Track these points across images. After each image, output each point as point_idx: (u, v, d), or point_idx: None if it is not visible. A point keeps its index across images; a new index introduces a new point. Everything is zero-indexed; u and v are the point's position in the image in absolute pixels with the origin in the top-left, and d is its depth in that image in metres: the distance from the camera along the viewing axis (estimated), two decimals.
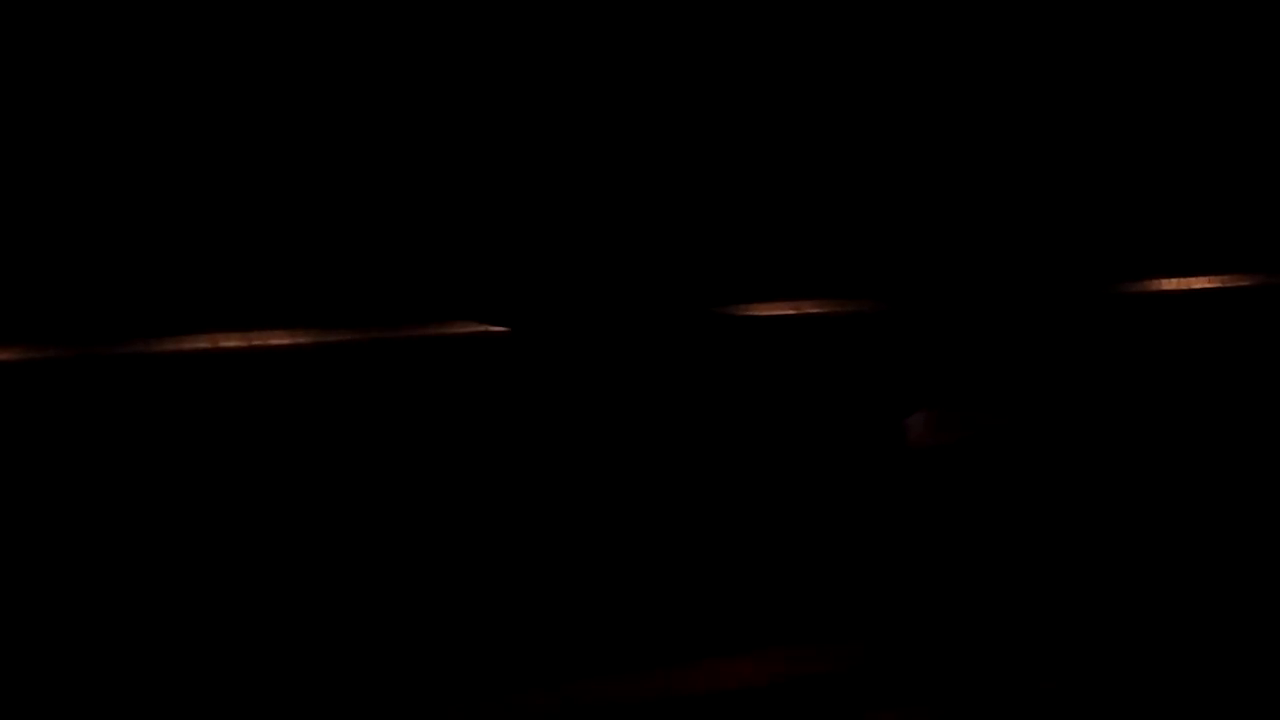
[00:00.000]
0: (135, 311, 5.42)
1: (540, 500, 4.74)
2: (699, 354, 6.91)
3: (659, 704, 3.31)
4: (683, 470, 5.31)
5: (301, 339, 5.52)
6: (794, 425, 6.10)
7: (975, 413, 6.10)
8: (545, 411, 5.77)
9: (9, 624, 3.59)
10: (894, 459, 5.60)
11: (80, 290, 5.41)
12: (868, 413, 6.25)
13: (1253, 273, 9.14)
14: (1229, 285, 9.26)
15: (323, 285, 6.13)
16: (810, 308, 7.82)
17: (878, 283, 8.13)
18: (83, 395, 4.91)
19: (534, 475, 4.98)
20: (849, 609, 4.02)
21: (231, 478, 4.58)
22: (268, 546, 4.21)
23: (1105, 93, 9.23)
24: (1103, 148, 9.25)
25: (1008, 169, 8.95)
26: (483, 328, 6.17)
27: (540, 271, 7.31)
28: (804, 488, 5.31)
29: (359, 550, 4.17)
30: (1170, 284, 9.10)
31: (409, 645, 3.68)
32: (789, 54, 8.60)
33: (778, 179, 8.72)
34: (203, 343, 5.19)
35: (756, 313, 7.70)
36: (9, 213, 5.17)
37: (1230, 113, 9.61)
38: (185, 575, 3.96)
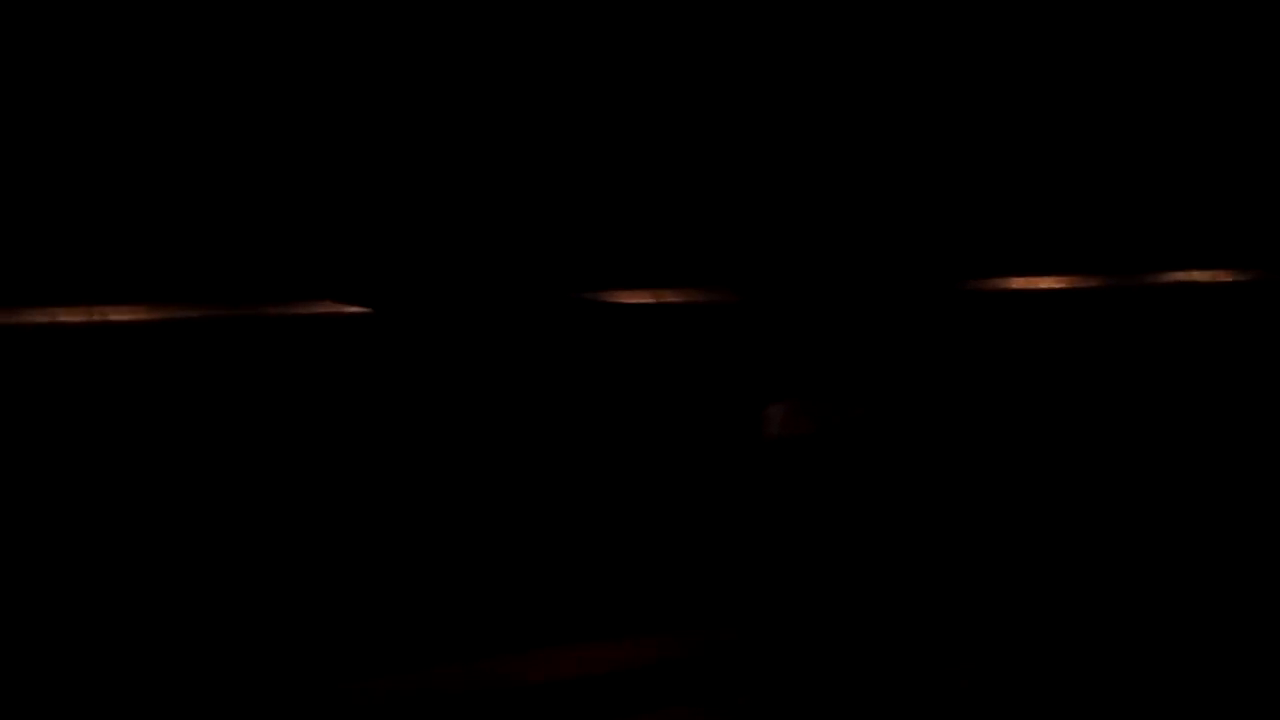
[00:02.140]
0: None
1: (388, 483, 4.64)
2: (556, 338, 6.83)
3: (494, 693, 3.23)
4: (533, 455, 5.25)
5: (144, 315, 5.36)
6: (652, 413, 6.07)
7: (830, 405, 6.12)
8: (397, 393, 5.66)
9: None
10: (751, 449, 5.60)
11: None
12: (726, 402, 6.25)
13: (1099, 274, 9.34)
14: (1075, 286, 9.45)
15: (168, 260, 5.95)
16: (670, 296, 7.82)
17: (737, 274, 8.14)
18: None
19: (382, 458, 4.88)
20: (703, 597, 3.98)
21: (69, 455, 4.42)
22: (105, 528, 4.05)
23: (956, 96, 9.36)
24: (956, 149, 9.37)
25: (865, 167, 9.02)
26: (338, 307, 6.05)
27: (401, 252, 7.18)
28: (660, 475, 5.27)
29: (194, 533, 4.04)
30: (1018, 283, 9.26)
31: (237, 632, 3.57)
32: (657, 48, 8.57)
33: (641, 169, 8.70)
34: (41, 317, 5.02)
35: (617, 299, 7.66)
36: None
37: (1080, 121, 9.80)
38: (22, 559, 3.81)
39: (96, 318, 4.99)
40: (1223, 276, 10.43)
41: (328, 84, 6.25)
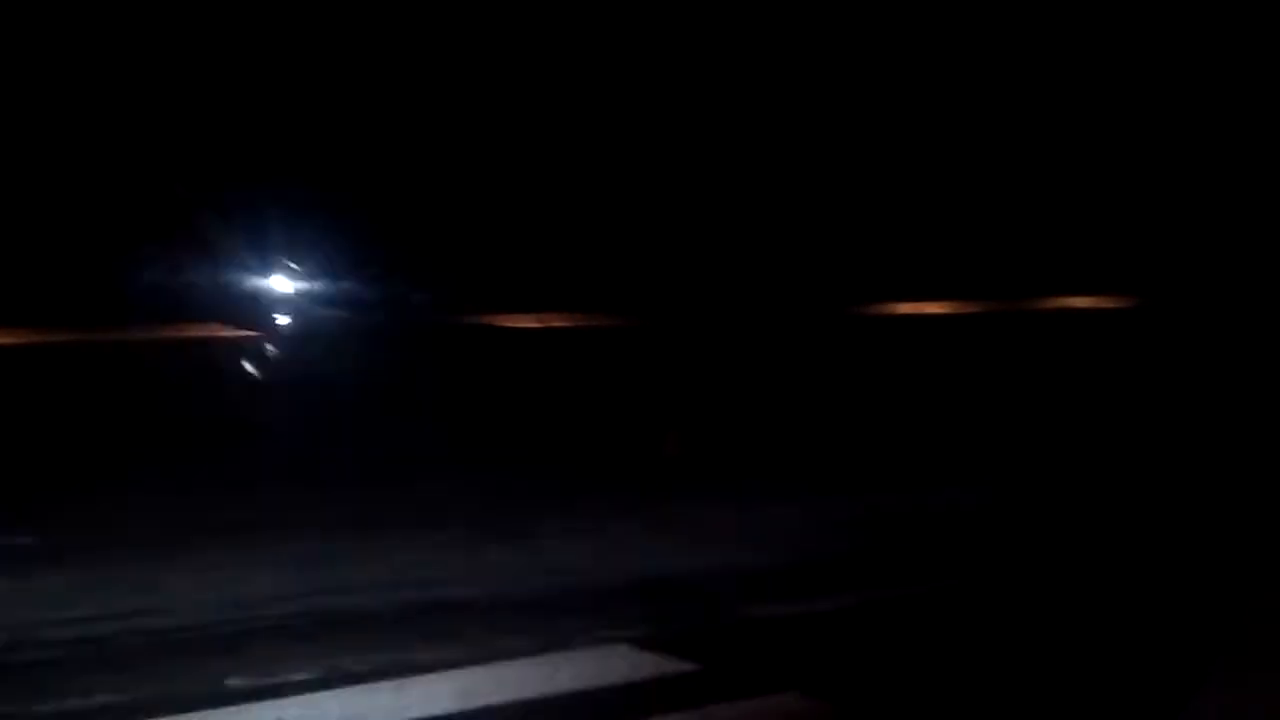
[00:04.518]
0: None
1: None
2: (446, 358, 7.13)
3: None
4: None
5: None
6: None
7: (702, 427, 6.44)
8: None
9: None
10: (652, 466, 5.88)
11: None
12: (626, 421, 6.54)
13: (983, 299, 9.58)
14: (960, 311, 9.68)
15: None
16: (556, 320, 8.03)
17: (625, 299, 8.39)
18: None
19: None
20: None
21: None
22: None
23: (840, 134, 9.64)
24: (842, 184, 9.65)
25: (754, 201, 9.29)
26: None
27: (294, 273, 7.45)
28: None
29: None
30: (905, 308, 9.50)
31: None
32: (538, 79, 8.80)
33: (529, 197, 8.92)
34: None
35: (503, 324, 7.89)
36: None
37: (950, 161, 10.13)
38: None
39: None
40: (1103, 303, 10.75)
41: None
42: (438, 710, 3.37)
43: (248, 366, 7.53)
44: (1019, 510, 5.65)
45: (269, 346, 8.08)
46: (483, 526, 5.03)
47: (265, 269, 8.23)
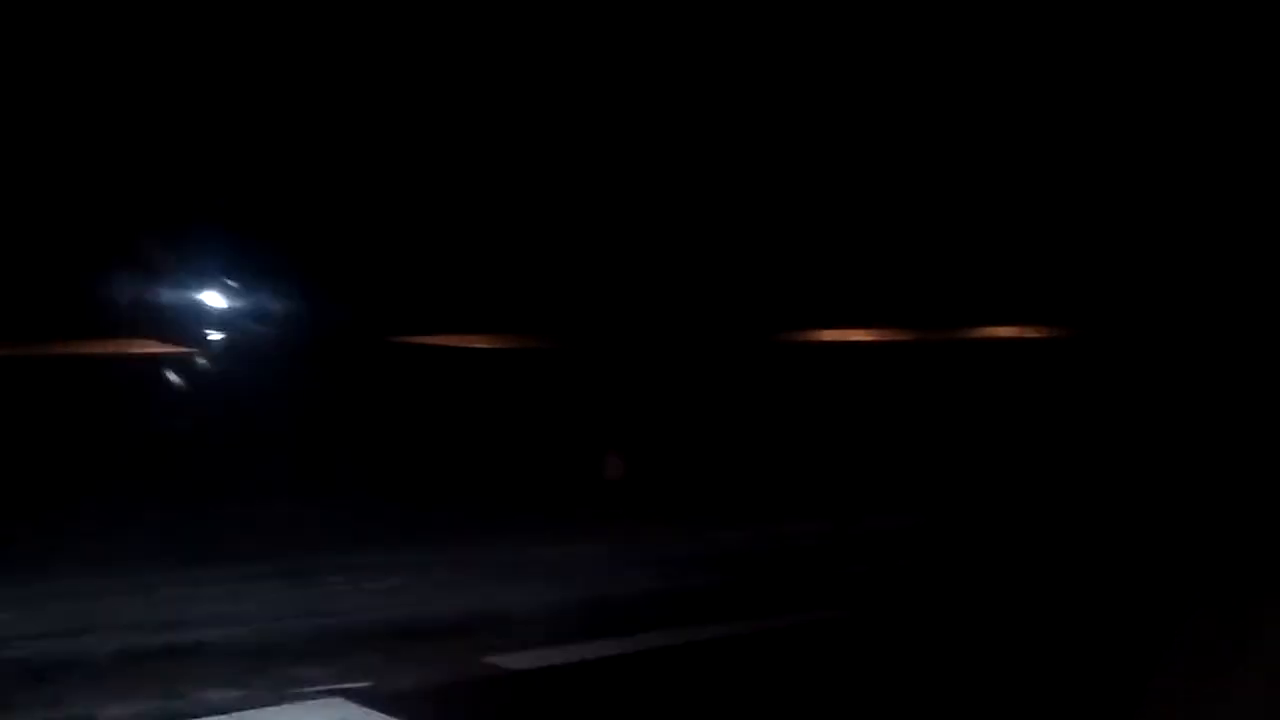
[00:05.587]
0: None
1: None
2: (375, 378, 7.19)
3: None
4: None
5: None
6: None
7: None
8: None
9: None
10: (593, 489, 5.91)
11: None
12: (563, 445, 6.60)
13: (909, 328, 9.71)
14: (885, 339, 9.83)
15: None
16: (480, 342, 8.11)
17: (553, 321, 8.46)
18: None
19: None
20: None
21: None
22: None
23: (779, 163, 9.76)
24: (780, 212, 9.76)
25: (695, 225, 9.39)
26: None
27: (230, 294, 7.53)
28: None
29: None
30: (829, 335, 9.62)
31: None
32: (478, 98, 8.87)
33: (467, 218, 8.98)
34: None
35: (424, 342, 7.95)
36: None
37: (899, 191, 10.29)
38: None
39: None
40: (1028, 332, 10.88)
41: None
42: None
43: (174, 380, 7.53)
44: (932, 538, 5.52)
45: (200, 361, 8.09)
46: (288, 560, 4.85)
47: (201, 285, 8.25)
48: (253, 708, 3.38)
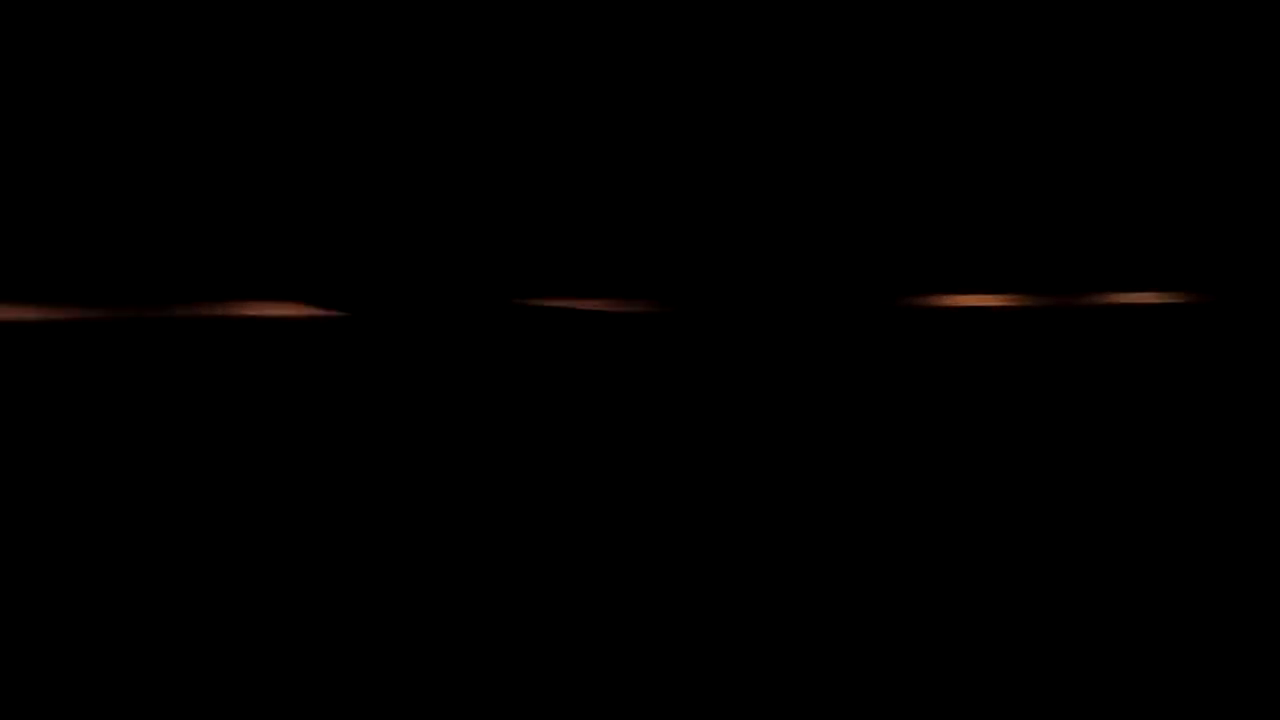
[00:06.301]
0: None
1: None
2: (500, 340, 6.74)
3: None
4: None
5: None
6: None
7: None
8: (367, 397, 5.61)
9: None
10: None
11: None
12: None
13: (1042, 294, 9.41)
14: (1017, 305, 9.49)
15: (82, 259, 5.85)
16: (591, 304, 7.70)
17: (677, 285, 8.00)
18: None
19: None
20: None
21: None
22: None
23: (888, 118, 9.26)
24: (899, 166, 9.28)
25: (809, 182, 8.91)
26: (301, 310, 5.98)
27: (359, 260, 7.15)
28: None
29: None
30: (961, 300, 9.25)
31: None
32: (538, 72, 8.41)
33: (570, 183, 8.53)
34: None
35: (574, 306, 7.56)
36: None
37: (1027, 144, 9.76)
38: None
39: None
40: (1161, 298, 10.53)
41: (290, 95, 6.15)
42: None
43: None
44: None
45: None
46: None
47: None
48: None
